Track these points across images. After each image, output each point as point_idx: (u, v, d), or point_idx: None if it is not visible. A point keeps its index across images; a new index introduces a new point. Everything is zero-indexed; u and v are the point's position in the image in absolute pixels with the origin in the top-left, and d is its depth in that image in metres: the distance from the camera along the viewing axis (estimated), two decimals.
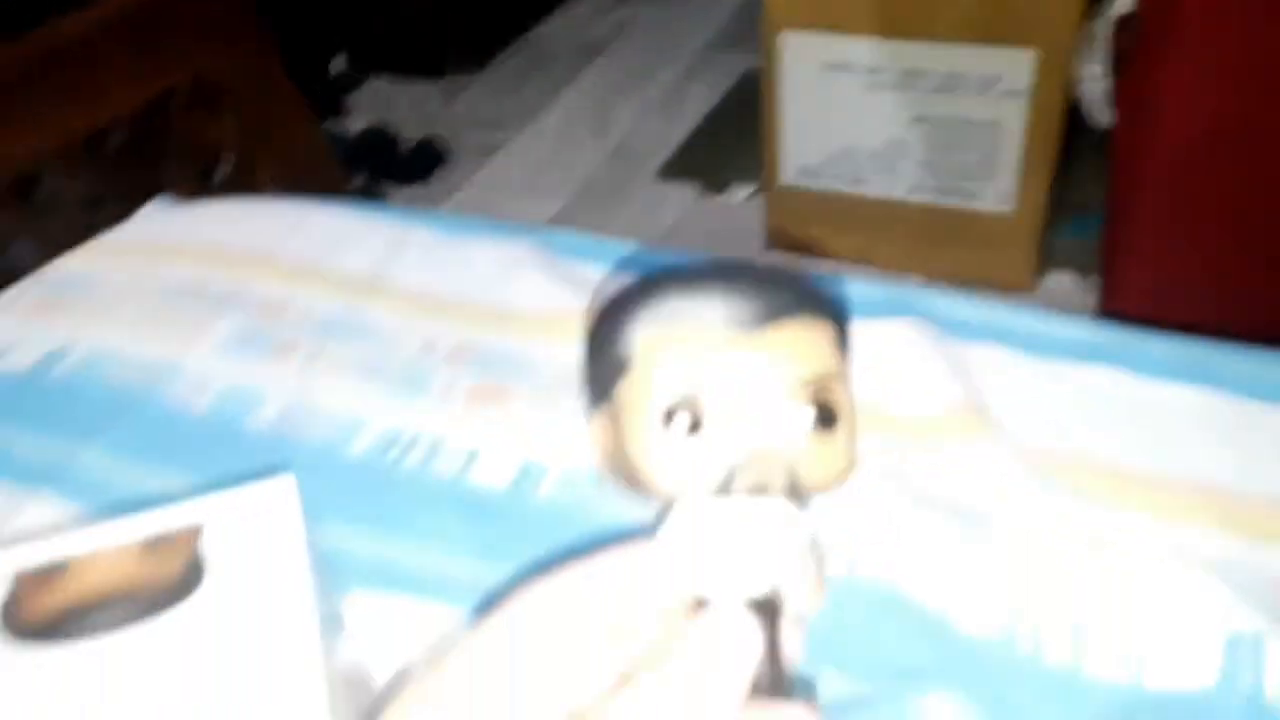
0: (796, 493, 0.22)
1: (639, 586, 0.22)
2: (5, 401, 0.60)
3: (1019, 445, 0.50)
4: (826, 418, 0.22)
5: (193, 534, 0.35)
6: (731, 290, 0.22)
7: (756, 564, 0.22)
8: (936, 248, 1.37)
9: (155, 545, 0.34)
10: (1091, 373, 0.55)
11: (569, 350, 0.59)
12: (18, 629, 0.30)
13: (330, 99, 1.98)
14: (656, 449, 0.21)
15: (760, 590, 0.21)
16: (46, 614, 0.31)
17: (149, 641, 0.30)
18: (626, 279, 0.23)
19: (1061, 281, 1.39)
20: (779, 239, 1.49)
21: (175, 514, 0.35)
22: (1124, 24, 1.07)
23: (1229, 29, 0.97)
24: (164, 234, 0.73)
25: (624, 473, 0.22)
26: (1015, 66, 1.17)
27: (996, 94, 1.20)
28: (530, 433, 0.55)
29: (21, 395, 0.61)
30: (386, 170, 1.78)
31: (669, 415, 0.21)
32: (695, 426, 0.21)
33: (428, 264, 0.67)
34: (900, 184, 1.35)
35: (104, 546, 0.34)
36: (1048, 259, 1.39)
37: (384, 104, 2.09)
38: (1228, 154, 1.04)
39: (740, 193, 1.72)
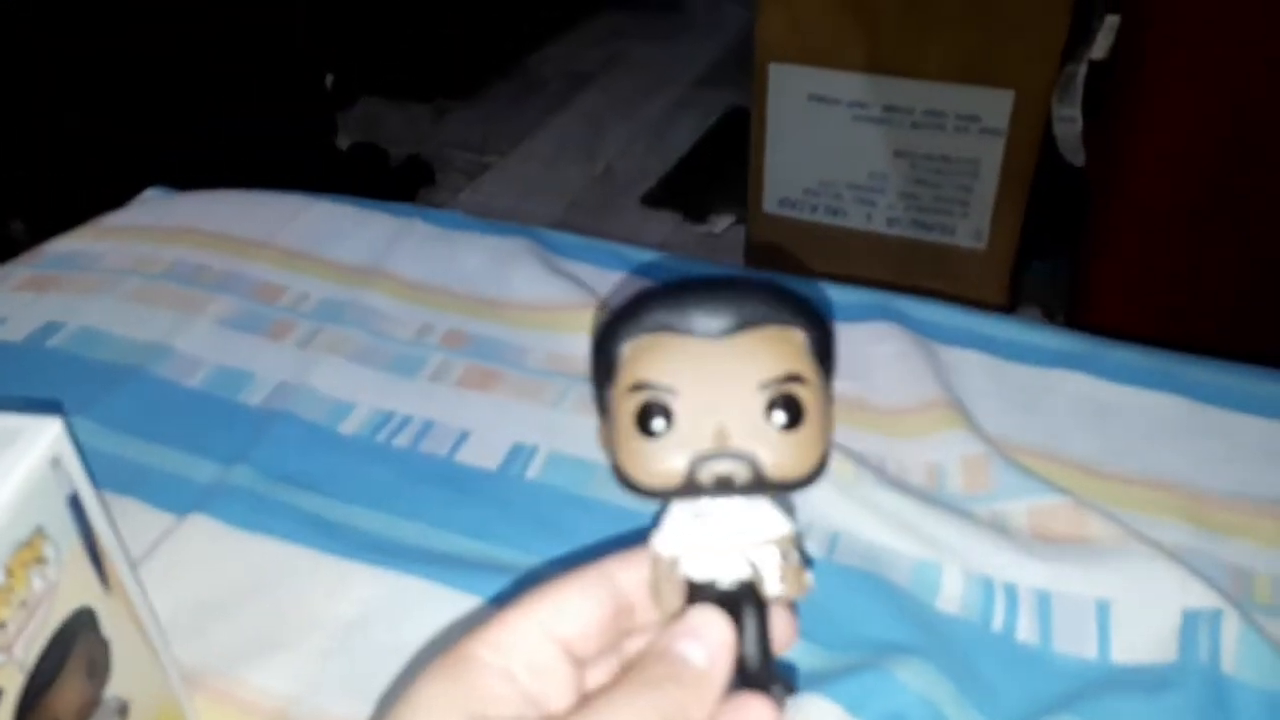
0: (762, 486, 0.23)
1: (638, 586, 0.25)
2: None
3: (993, 439, 0.52)
4: (791, 414, 0.23)
5: None
6: (709, 301, 0.24)
7: (733, 554, 0.24)
8: (911, 281, 1.40)
9: None
10: (1064, 378, 0.57)
11: (560, 338, 0.61)
12: None
13: (321, 116, 2.00)
14: (633, 450, 0.23)
15: (737, 576, 0.24)
16: None
17: None
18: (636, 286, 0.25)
19: (1031, 316, 1.43)
20: (758, 268, 1.52)
21: None
22: (1099, 69, 1.12)
23: (1200, 79, 1.02)
24: (162, 218, 0.74)
25: (617, 473, 0.24)
26: (994, 106, 1.22)
27: (975, 132, 1.25)
28: (520, 415, 0.56)
29: (14, 365, 0.61)
30: (374, 187, 1.80)
31: (643, 415, 0.23)
32: (667, 424, 0.23)
33: (425, 254, 0.69)
34: (879, 217, 1.39)
35: None
36: (1018, 296, 1.43)
37: (374, 123, 2.11)
38: (1195, 197, 1.08)
39: (721, 223, 1.75)
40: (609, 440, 0.24)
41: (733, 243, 1.64)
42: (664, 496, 0.24)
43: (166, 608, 0.42)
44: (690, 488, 0.23)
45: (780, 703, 0.23)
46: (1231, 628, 0.41)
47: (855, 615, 0.44)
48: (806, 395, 0.23)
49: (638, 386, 0.23)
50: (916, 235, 1.38)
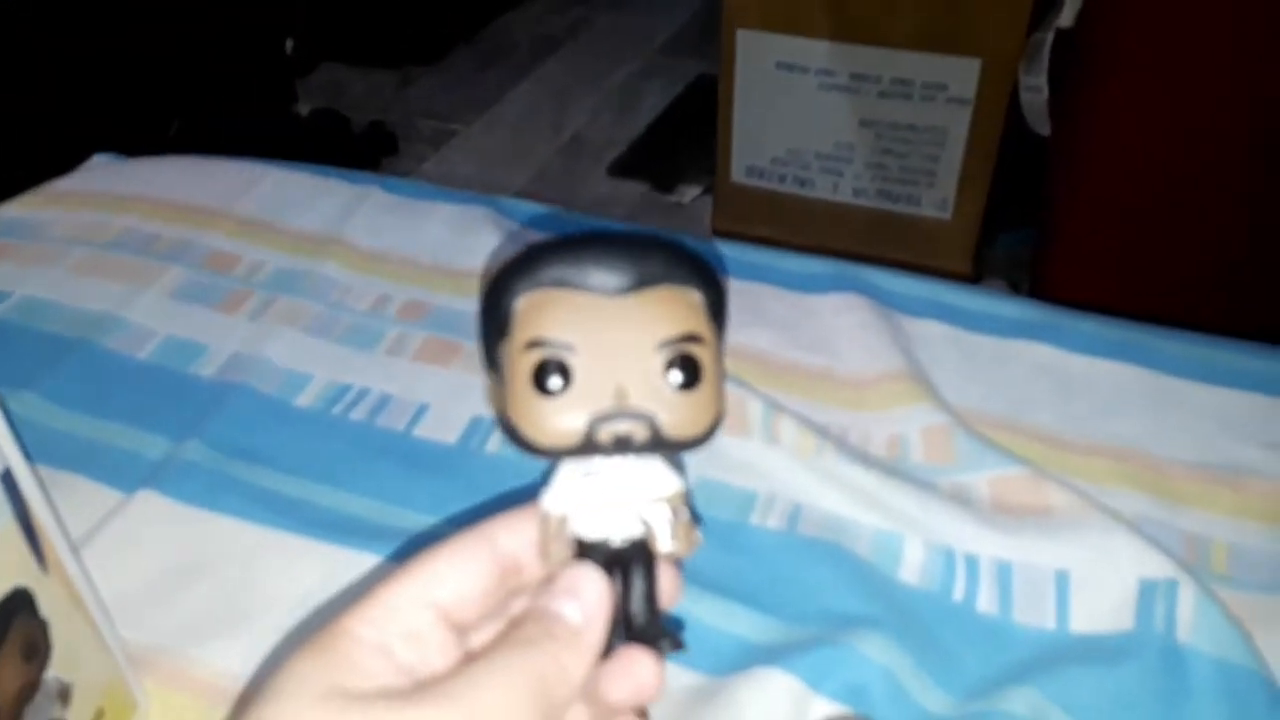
0: (659, 445, 0.23)
1: (524, 546, 0.24)
2: None
3: (955, 410, 0.52)
4: (689, 374, 0.23)
5: None
6: (605, 259, 0.24)
7: (624, 513, 0.24)
8: (877, 251, 1.40)
9: None
10: (1026, 348, 0.57)
11: None
12: None
13: (281, 82, 1.95)
14: (528, 408, 0.23)
15: (629, 534, 0.24)
16: None
17: None
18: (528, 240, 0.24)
19: (996, 288, 1.43)
20: (725, 237, 1.51)
21: None
22: (1066, 38, 1.12)
23: (1164, 49, 1.02)
24: (112, 185, 0.72)
25: (508, 430, 0.24)
26: (961, 75, 1.21)
27: (942, 101, 1.24)
28: (479, 389, 0.55)
29: None
30: (335, 154, 1.77)
31: (539, 372, 0.23)
32: (565, 383, 0.23)
33: (382, 224, 0.67)
34: (845, 187, 1.38)
35: None
36: (983, 268, 1.44)
37: (336, 90, 2.06)
38: (1157, 168, 1.08)
39: (689, 193, 1.74)
40: (499, 397, 0.24)
41: (700, 212, 1.63)
42: (559, 455, 0.24)
43: (114, 587, 0.41)
44: (587, 447, 0.23)
45: (665, 655, 0.24)
46: (1188, 597, 0.41)
47: (816, 587, 0.44)
48: (704, 355, 0.23)
49: (534, 343, 0.23)
50: (883, 206, 1.38)
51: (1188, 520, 0.47)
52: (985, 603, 0.44)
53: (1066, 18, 1.09)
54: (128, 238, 0.67)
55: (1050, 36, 1.11)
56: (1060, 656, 0.41)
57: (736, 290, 0.62)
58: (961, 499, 0.48)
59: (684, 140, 1.88)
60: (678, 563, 0.25)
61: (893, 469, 0.49)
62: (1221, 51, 0.99)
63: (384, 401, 0.55)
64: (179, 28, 1.50)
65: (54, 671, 0.33)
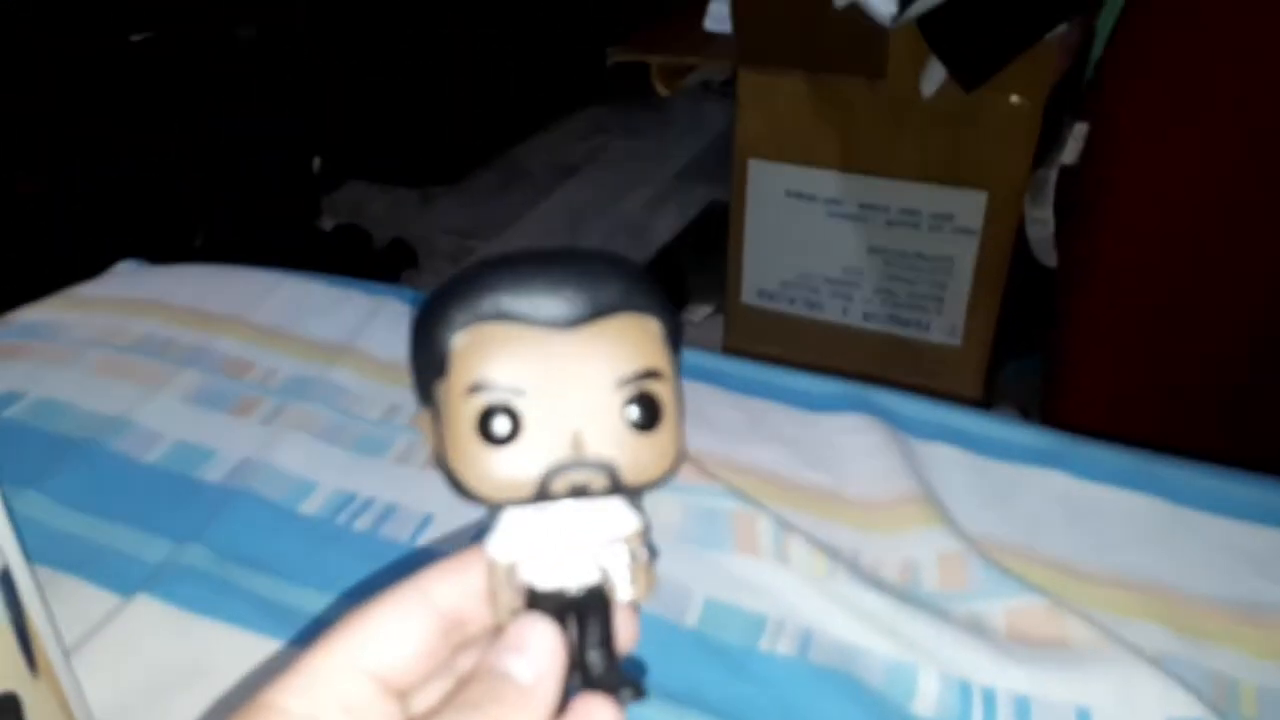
0: (618, 490, 0.21)
1: (465, 597, 0.22)
2: None
3: (969, 536, 0.51)
4: (649, 415, 0.21)
5: None
6: (553, 285, 0.21)
7: (580, 558, 0.22)
8: (887, 375, 1.41)
9: None
10: (1039, 475, 0.56)
11: None
12: None
13: (308, 197, 2.02)
14: (473, 457, 0.21)
15: (585, 581, 0.22)
16: None
17: None
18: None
19: (1006, 415, 1.43)
20: (736, 356, 1.53)
21: None
22: (1069, 173, 1.15)
23: (1166, 183, 1.05)
24: (134, 290, 0.74)
25: (448, 476, 0.21)
26: (968, 206, 1.24)
27: (949, 231, 1.27)
28: None
29: None
30: (358, 268, 1.81)
31: (485, 419, 0.21)
32: (513, 429, 0.21)
33: (397, 334, 0.68)
34: (855, 311, 1.40)
35: None
36: (993, 394, 1.44)
37: (360, 206, 2.13)
38: (1164, 300, 1.10)
39: (700, 312, 1.76)
40: (436, 436, 0.22)
41: (711, 331, 1.65)
42: (505, 504, 0.22)
43: (106, 693, 0.40)
44: (540, 497, 0.21)
45: (626, 705, 0.22)
46: None
47: (829, 717, 0.42)
48: (663, 392, 0.21)
49: (478, 387, 0.21)
50: (892, 330, 1.39)
51: (1213, 659, 0.45)
52: None
53: (1070, 155, 1.12)
54: (145, 342, 0.68)
55: (1054, 173, 1.15)
56: None
57: (747, 407, 0.62)
58: (977, 629, 0.46)
59: (696, 262, 1.92)
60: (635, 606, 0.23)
61: (906, 595, 0.48)
62: (1223, 187, 1.02)
63: (389, 511, 0.54)
64: (210, 142, 1.56)
65: None
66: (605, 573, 0.22)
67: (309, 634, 0.46)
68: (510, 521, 0.22)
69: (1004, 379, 1.46)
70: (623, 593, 0.22)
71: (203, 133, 1.54)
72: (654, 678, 0.44)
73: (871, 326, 1.40)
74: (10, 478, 0.55)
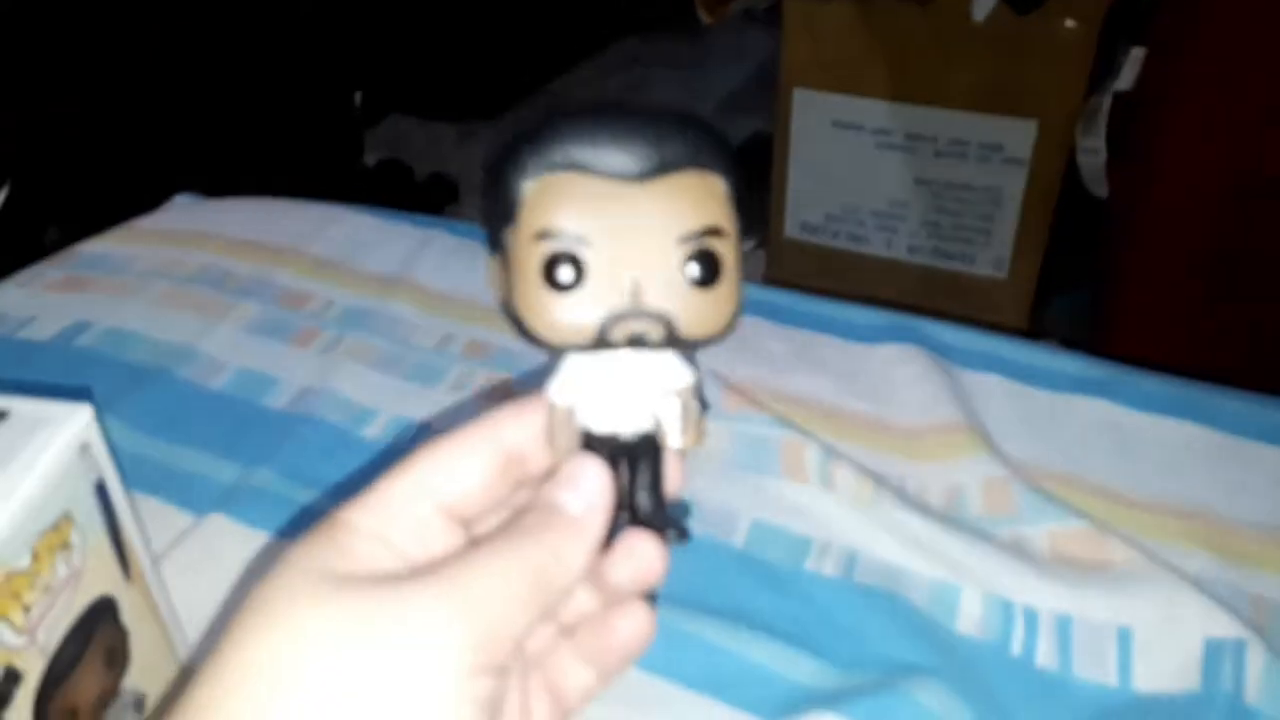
0: (675, 343, 0.22)
1: (530, 437, 0.24)
2: (24, 368, 0.61)
3: (1014, 463, 0.52)
4: (709, 271, 0.22)
5: None
6: (623, 139, 0.22)
7: (634, 406, 0.23)
8: (932, 306, 1.40)
9: None
10: (1085, 404, 0.57)
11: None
12: None
13: (349, 134, 2.02)
14: (537, 301, 0.22)
15: (639, 428, 0.23)
16: None
17: None
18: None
19: (1051, 346, 1.42)
20: (778, 288, 1.52)
21: None
22: (1123, 101, 1.12)
23: (1223, 113, 1.02)
24: (192, 223, 0.75)
25: (514, 321, 0.22)
26: (1017, 136, 1.22)
27: (998, 161, 1.25)
28: None
29: (41, 363, 0.62)
30: (399, 202, 1.82)
31: (550, 266, 0.21)
32: (577, 277, 0.21)
33: (448, 265, 0.69)
34: (900, 244, 1.39)
35: None
36: (1038, 328, 1.43)
37: (400, 141, 2.13)
38: (1217, 233, 1.07)
39: (742, 246, 1.76)
40: (504, 283, 0.23)
41: (753, 266, 1.64)
42: (568, 349, 0.22)
43: (185, 605, 0.43)
44: (600, 344, 0.22)
45: (671, 544, 0.23)
46: (1256, 658, 0.40)
47: (872, 635, 0.44)
48: (724, 250, 0.22)
49: (544, 234, 0.21)
50: (938, 263, 1.38)
51: (1254, 582, 0.46)
52: (1044, 656, 0.43)
53: (1125, 81, 1.09)
54: (205, 274, 0.70)
55: (1108, 100, 1.12)
56: (1123, 714, 0.40)
57: (793, 338, 0.63)
58: (1020, 551, 0.47)
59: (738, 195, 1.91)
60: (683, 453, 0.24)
61: (950, 519, 0.49)
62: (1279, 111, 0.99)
63: (424, 430, 0.56)
64: (254, 82, 1.56)
65: (131, 681, 0.35)
66: (657, 420, 0.23)
67: None
68: (570, 367, 0.23)
69: (1050, 313, 1.44)
70: (673, 440, 0.23)
71: (249, 73, 1.54)
72: (701, 595, 0.45)
73: (917, 260, 1.39)
74: (91, 402, 0.58)
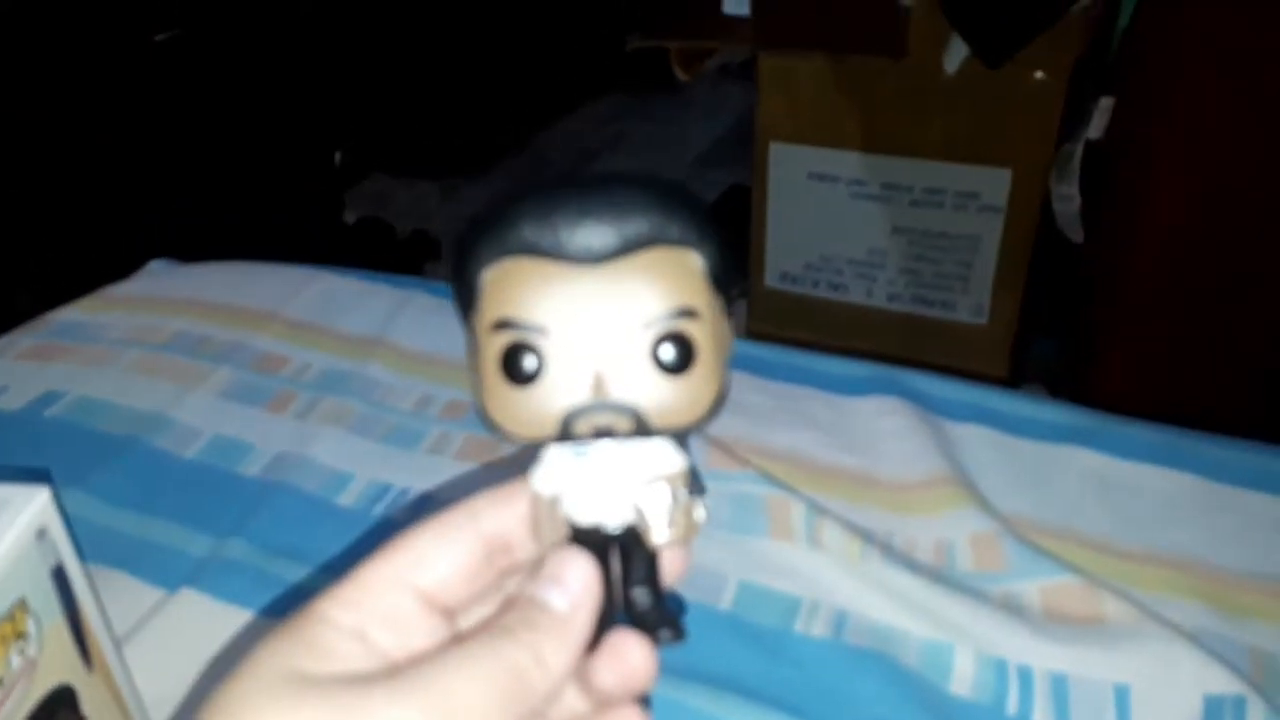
0: (646, 433, 0.21)
1: (513, 524, 0.23)
2: None
3: (1002, 516, 0.51)
4: (680, 356, 0.20)
5: None
6: (581, 218, 0.20)
7: (618, 496, 0.22)
8: (912, 355, 1.40)
9: None
10: (1072, 454, 0.56)
11: None
12: None
13: (329, 192, 2.03)
14: (498, 394, 0.21)
15: (623, 520, 0.22)
16: None
17: None
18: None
19: (1034, 393, 1.42)
20: (760, 340, 1.52)
21: None
22: (1095, 148, 1.14)
23: (1193, 158, 1.03)
24: (166, 289, 0.75)
25: (483, 418, 0.21)
26: (993, 184, 1.23)
27: (974, 209, 1.26)
28: None
29: (9, 435, 0.60)
30: (380, 260, 1.82)
31: (509, 357, 0.20)
32: (536, 370, 0.20)
33: (426, 326, 0.69)
34: (879, 292, 1.39)
35: None
36: (1021, 373, 1.43)
37: (382, 199, 2.14)
38: (1192, 275, 1.08)
39: None
40: (471, 372, 0.22)
41: (736, 318, 1.65)
42: (536, 444, 0.21)
43: (153, 686, 0.41)
44: (565, 438, 0.21)
45: (663, 645, 0.22)
46: (1256, 715, 0.39)
47: (864, 698, 0.43)
48: (697, 332, 0.20)
49: (502, 324, 0.20)
50: (917, 311, 1.38)
51: (1250, 634, 0.45)
52: (1041, 716, 0.42)
53: (1096, 129, 1.11)
54: (180, 340, 0.69)
55: (1080, 148, 1.13)
56: None
57: (776, 392, 0.62)
58: (1013, 608, 0.46)
59: None
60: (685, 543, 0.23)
61: (941, 576, 0.48)
62: (1250, 160, 1.00)
63: (425, 501, 0.55)
64: (234, 138, 1.57)
65: None
66: (641, 515, 0.22)
67: None
68: (552, 456, 0.22)
69: (1031, 359, 1.44)
70: (658, 534, 0.22)
71: (230, 131, 1.55)
72: (688, 661, 0.44)
73: (896, 307, 1.40)
74: (56, 477, 0.56)
